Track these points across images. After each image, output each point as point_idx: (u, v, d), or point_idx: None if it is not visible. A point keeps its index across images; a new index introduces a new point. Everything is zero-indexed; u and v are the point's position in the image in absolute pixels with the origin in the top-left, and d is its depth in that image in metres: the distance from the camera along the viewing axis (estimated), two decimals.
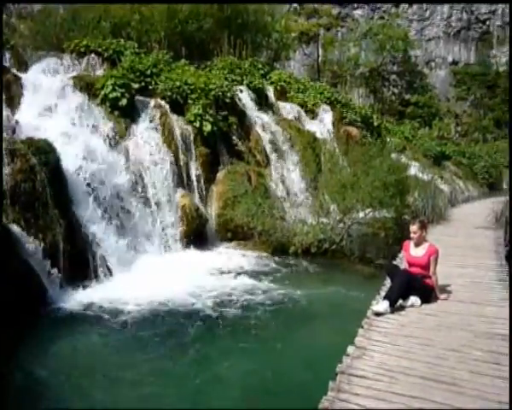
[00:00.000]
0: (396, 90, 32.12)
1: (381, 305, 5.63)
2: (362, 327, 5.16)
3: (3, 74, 9.87)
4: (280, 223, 11.24)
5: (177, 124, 12.13)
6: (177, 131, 11.99)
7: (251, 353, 5.87)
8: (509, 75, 34.14)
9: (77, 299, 7.38)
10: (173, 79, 12.86)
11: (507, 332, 5.05)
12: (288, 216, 11.99)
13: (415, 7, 32.11)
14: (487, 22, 32.67)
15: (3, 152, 7.29)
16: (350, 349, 4.58)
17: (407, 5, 31.73)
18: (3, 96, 9.46)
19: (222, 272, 9.20)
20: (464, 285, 6.90)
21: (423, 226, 6.52)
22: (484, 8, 32.24)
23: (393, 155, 16.99)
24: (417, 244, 6.43)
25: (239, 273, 9.16)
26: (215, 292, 7.91)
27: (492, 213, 13.23)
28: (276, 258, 10.49)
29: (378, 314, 5.49)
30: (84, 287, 7.91)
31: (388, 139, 22.90)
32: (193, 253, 10.61)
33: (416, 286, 6.04)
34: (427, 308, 5.88)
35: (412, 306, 5.90)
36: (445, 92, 32.84)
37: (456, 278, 7.14)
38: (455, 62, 32.96)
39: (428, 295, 6.15)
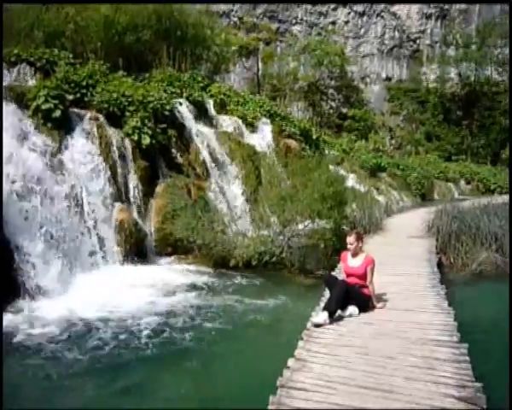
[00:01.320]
0: (334, 104, 33.06)
1: (321, 316, 5.70)
2: (302, 339, 5.20)
3: None
4: (220, 236, 11.17)
5: (115, 137, 11.82)
6: (115, 145, 11.67)
7: (186, 372, 5.68)
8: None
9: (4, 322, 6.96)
10: (110, 91, 12.55)
11: (439, 338, 5.25)
12: (229, 229, 11.95)
13: (350, 24, 33.30)
14: (417, 41, 34.41)
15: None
16: (290, 362, 4.59)
17: (343, 23, 32.85)
18: None
19: (160, 287, 8.99)
20: (399, 293, 7.13)
21: (359, 237, 6.70)
22: (414, 28, 33.92)
23: (332, 168, 17.41)
24: (354, 255, 6.59)
25: (178, 287, 8.99)
26: (153, 308, 7.71)
27: (425, 222, 13.81)
28: (217, 271, 10.39)
29: (317, 326, 5.55)
30: (13, 309, 7.48)
31: (327, 152, 23.44)
32: (131, 268, 10.30)
33: (354, 296, 6.18)
34: (365, 317, 6.01)
35: (350, 315, 6.02)
36: (380, 107, 34.17)
37: (392, 287, 7.36)
38: (388, 78, 34.42)
39: (366, 304, 6.30)
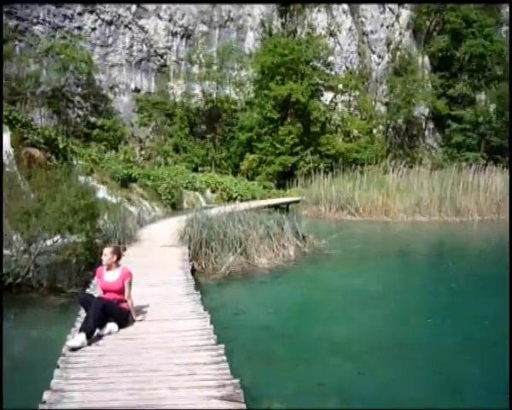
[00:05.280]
0: (81, 113, 31.61)
1: (77, 338, 5.32)
2: (58, 367, 4.76)
3: None
4: None
5: None
6: None
7: None
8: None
9: None
10: None
11: (198, 343, 5.47)
12: None
13: (98, 32, 32.40)
14: (165, 56, 35.61)
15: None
16: (45, 395, 4.14)
17: (90, 29, 31.73)
18: None
19: None
20: (157, 303, 7.18)
21: (115, 251, 6.51)
22: (161, 43, 35.01)
23: (81, 179, 16.57)
24: (111, 269, 6.37)
25: None
26: None
27: (177, 231, 14.29)
28: None
29: (74, 349, 5.17)
30: None
31: (75, 162, 22.24)
32: None
33: (113, 312, 5.96)
34: (126, 333, 5.86)
35: (110, 333, 5.79)
36: (129, 117, 34.13)
37: (150, 298, 7.37)
38: (137, 90, 34.64)
39: (125, 319, 6.15)
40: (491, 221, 25.46)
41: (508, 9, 49.63)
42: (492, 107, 41.38)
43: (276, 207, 23.52)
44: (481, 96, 44.43)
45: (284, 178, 33.14)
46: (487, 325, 8.85)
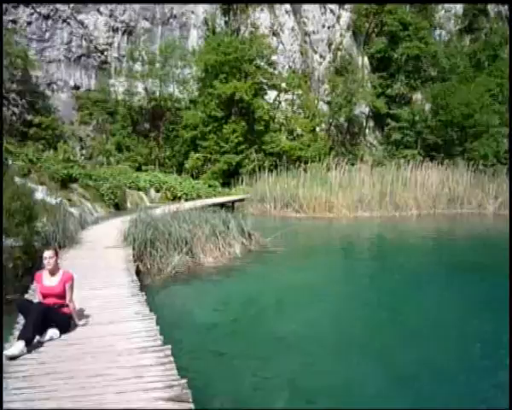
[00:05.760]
0: (17, 110, 30.24)
1: (16, 346, 5.12)
2: None
3: None
4: None
5: None
6: None
7: None
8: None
9: None
10: None
11: (144, 344, 5.40)
12: None
13: (34, 26, 31.05)
14: (105, 53, 34.62)
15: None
16: None
17: (26, 23, 30.37)
18: None
19: None
20: (101, 306, 7.02)
21: (56, 254, 6.31)
22: (101, 39, 34.00)
23: (18, 180, 15.89)
24: (51, 273, 6.17)
25: None
26: None
27: (120, 232, 13.99)
28: None
29: (13, 358, 4.97)
30: None
31: (10, 162, 21.28)
32: None
33: (53, 318, 5.78)
34: (68, 338, 5.70)
35: (51, 339, 5.61)
36: (69, 115, 32.95)
37: (93, 301, 7.19)
38: (77, 87, 33.50)
39: (67, 324, 5.97)
40: (428, 215, 26.61)
41: (442, 13, 52.12)
42: (428, 106, 43.17)
43: (221, 205, 23.51)
44: (418, 96, 46.26)
45: (229, 177, 33.16)
46: (426, 315, 9.29)
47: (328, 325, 8.73)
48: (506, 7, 59.34)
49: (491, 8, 56.19)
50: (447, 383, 6.28)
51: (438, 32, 52.00)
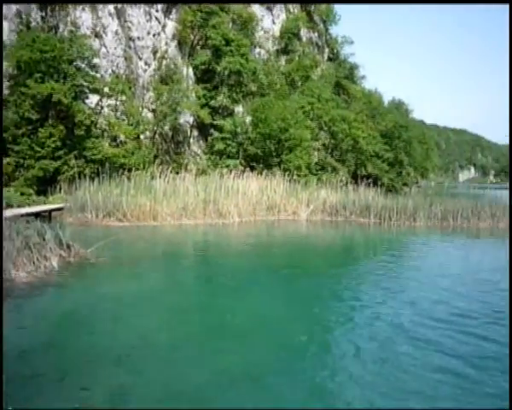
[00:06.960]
0: None
1: None
2: None
3: None
4: None
5: None
6: None
7: None
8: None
9: None
10: None
11: None
12: None
13: None
14: None
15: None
16: None
17: None
18: None
19: None
20: None
21: None
22: None
23: None
24: None
25: None
26: None
27: None
28: None
29: None
30: None
31: None
32: None
33: None
34: None
35: None
36: None
37: None
38: None
39: None
40: (249, 222, 28.24)
41: (261, 33, 55.84)
42: (248, 119, 45.85)
43: (36, 215, 21.83)
44: (239, 109, 48.79)
45: (46, 185, 30.84)
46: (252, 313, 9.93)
47: (158, 331, 8.78)
48: (316, 34, 66.41)
49: (304, 34, 62.23)
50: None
51: (258, 50, 55.54)
